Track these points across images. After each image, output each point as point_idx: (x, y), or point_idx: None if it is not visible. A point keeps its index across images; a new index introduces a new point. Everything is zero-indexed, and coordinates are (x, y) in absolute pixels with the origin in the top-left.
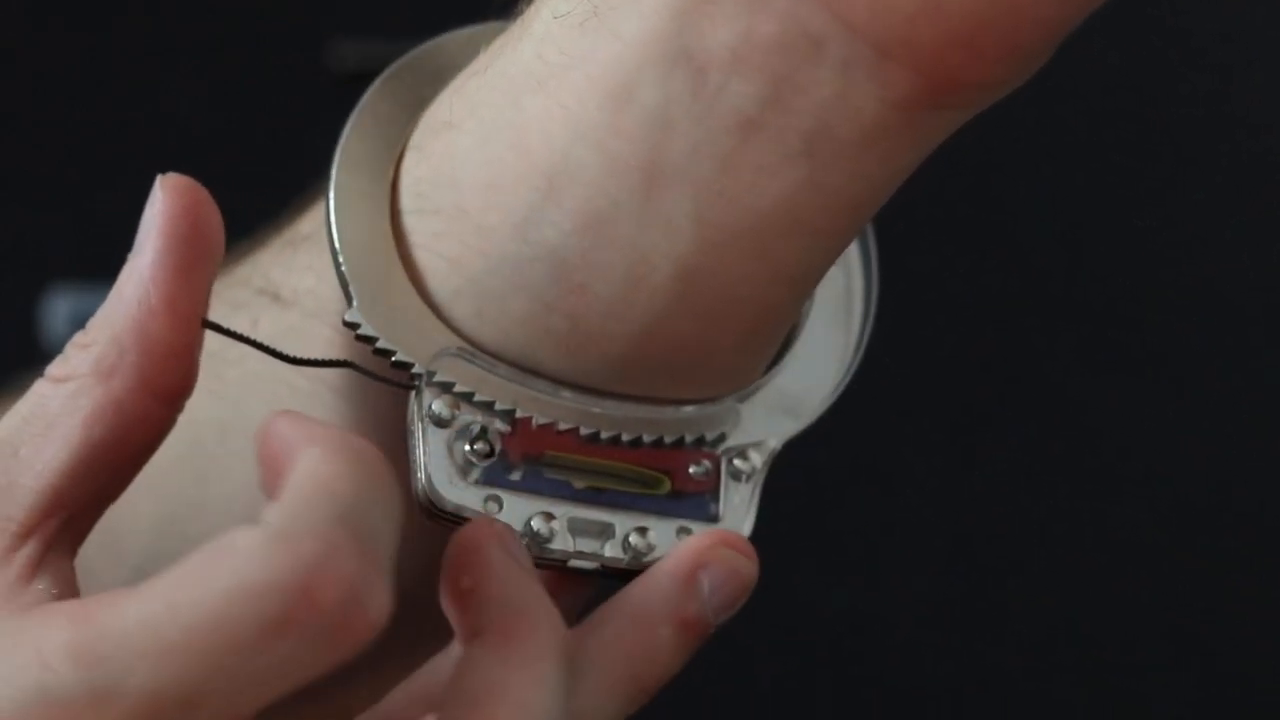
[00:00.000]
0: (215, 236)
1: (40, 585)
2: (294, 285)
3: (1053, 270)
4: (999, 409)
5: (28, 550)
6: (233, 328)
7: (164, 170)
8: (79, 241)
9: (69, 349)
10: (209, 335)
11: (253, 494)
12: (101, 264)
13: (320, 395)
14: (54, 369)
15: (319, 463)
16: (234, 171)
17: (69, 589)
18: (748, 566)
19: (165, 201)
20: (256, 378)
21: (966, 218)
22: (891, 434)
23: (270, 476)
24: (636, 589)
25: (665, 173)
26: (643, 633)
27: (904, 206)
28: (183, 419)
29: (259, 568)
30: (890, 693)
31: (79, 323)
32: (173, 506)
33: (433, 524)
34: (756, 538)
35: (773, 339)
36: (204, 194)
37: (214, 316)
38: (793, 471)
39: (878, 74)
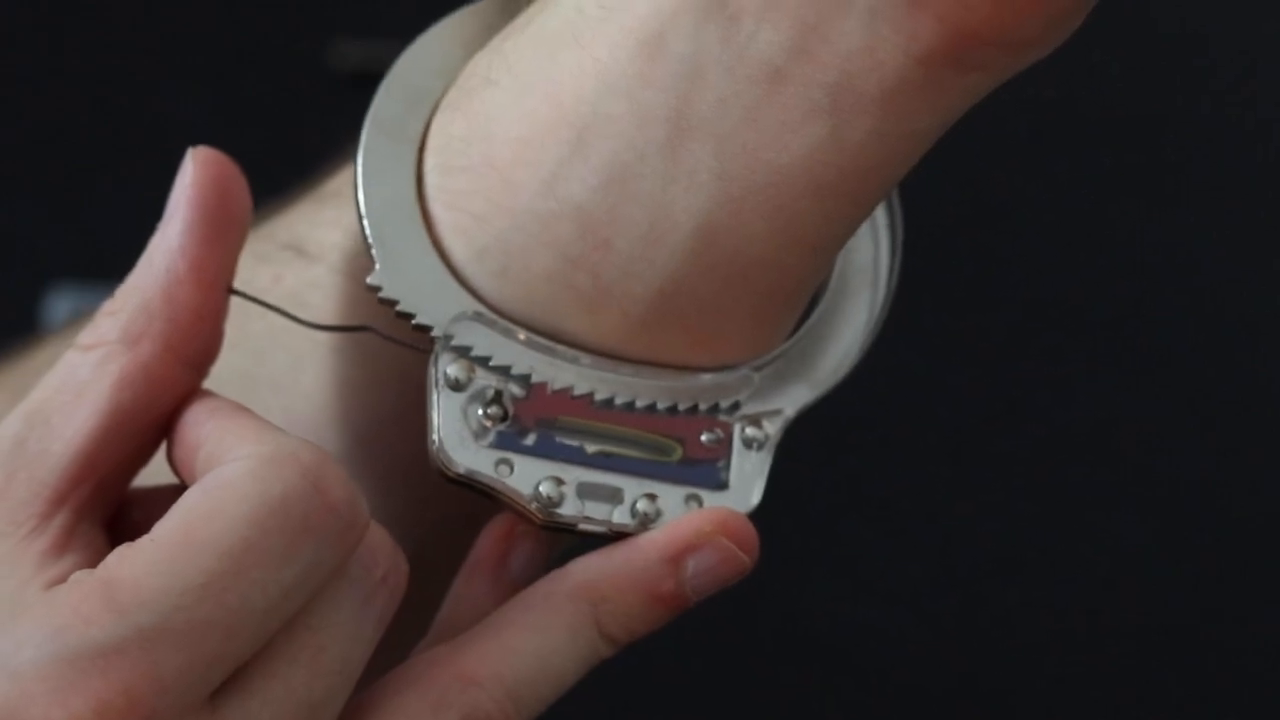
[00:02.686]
0: (243, 207)
1: (70, 558)
2: (319, 240)
3: (1055, 274)
4: (1000, 414)
5: (60, 519)
6: (257, 281)
7: (163, 171)
8: (79, 241)
9: (98, 317)
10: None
11: None
12: (101, 264)
13: (341, 350)
14: (84, 337)
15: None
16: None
17: (97, 560)
18: (740, 558)
19: (195, 173)
20: (280, 331)
21: (967, 221)
22: (891, 437)
23: (182, 454)
24: (623, 548)
25: (692, 124)
26: (616, 590)
27: (905, 208)
28: None
29: (270, 483)
30: (890, 697)
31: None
32: None
33: (451, 487)
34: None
35: (790, 308)
36: (233, 167)
37: (239, 270)
38: (794, 476)
39: (904, 25)
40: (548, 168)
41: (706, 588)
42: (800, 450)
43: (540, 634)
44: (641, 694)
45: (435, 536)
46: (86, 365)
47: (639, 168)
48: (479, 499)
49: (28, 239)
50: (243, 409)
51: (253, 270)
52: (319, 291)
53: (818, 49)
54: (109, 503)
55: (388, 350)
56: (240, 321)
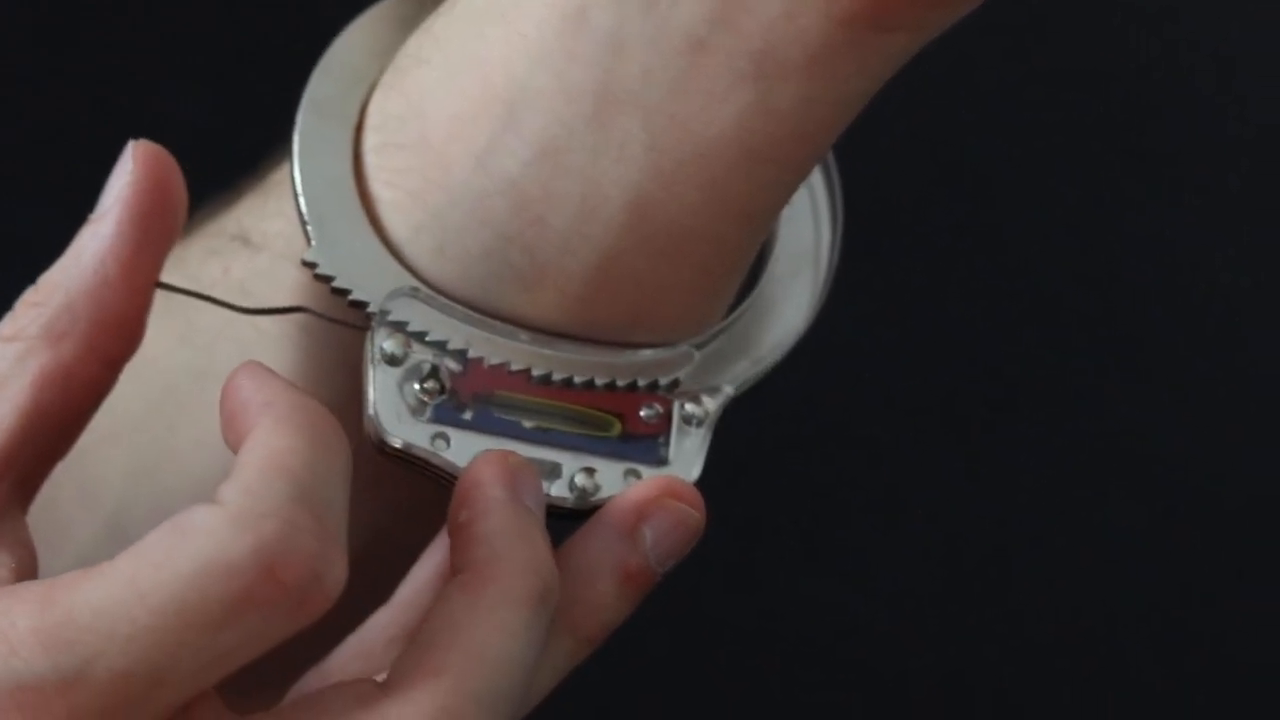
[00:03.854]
0: (179, 210)
1: None
2: (264, 229)
3: (1056, 272)
4: (997, 407)
5: None
6: (207, 274)
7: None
8: None
9: (20, 306)
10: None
11: (223, 441)
12: None
13: (289, 336)
14: (4, 327)
15: (272, 435)
16: (234, 172)
17: (25, 552)
18: (693, 516)
19: (134, 171)
20: (227, 323)
21: (966, 218)
22: (888, 432)
23: (231, 436)
24: (577, 540)
25: (618, 97)
26: (582, 585)
27: (905, 207)
28: (154, 367)
29: (222, 548)
30: (889, 696)
31: None
32: (145, 455)
33: (389, 464)
34: (752, 533)
35: (728, 281)
36: (174, 166)
37: (189, 265)
38: (790, 468)
39: None
40: (480, 143)
41: (668, 555)
42: (799, 447)
43: (511, 641)
44: (642, 693)
45: (389, 519)
46: (5, 359)
47: (569, 142)
48: (429, 482)
49: (28, 239)
50: (292, 411)
51: (203, 264)
52: (264, 280)
53: (739, 17)
54: (28, 494)
55: (333, 336)
56: (189, 315)
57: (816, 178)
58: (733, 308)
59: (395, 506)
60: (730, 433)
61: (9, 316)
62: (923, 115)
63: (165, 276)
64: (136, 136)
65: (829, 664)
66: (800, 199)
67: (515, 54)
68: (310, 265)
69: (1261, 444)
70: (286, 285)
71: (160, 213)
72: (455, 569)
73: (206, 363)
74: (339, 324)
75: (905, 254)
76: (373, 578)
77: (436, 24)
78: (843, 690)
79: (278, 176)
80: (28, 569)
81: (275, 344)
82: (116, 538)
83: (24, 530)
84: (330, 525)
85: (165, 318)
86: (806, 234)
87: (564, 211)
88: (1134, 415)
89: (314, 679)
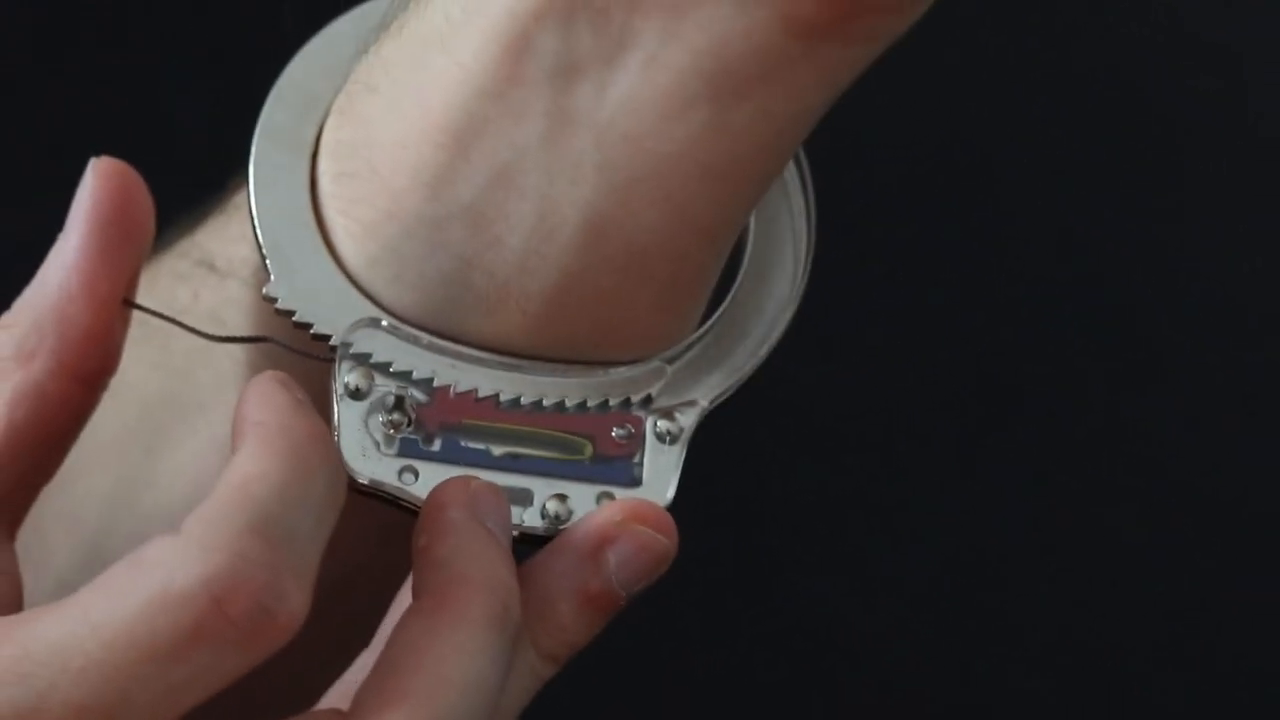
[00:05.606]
0: (143, 221)
1: None
2: (229, 255)
3: (1056, 270)
4: (997, 407)
5: None
6: (178, 300)
7: (164, 171)
8: None
9: None
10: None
11: (201, 467)
12: None
13: (259, 365)
14: None
15: (247, 459)
16: (233, 173)
17: (7, 581)
18: (660, 541)
19: (94, 186)
20: (203, 349)
21: (965, 217)
22: (888, 431)
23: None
24: (540, 560)
25: (570, 117)
26: (544, 606)
27: (903, 208)
28: (131, 393)
29: (172, 580)
30: (889, 695)
31: None
32: (123, 480)
33: (362, 499)
34: (755, 539)
35: (694, 296)
36: (134, 178)
37: (158, 290)
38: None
39: (777, 2)
40: (429, 172)
41: (633, 580)
42: (799, 448)
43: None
44: (641, 692)
45: (374, 546)
46: None
47: (521, 164)
48: (396, 511)
49: (28, 239)
50: (278, 434)
51: (173, 289)
52: (234, 307)
53: (692, 35)
54: (13, 519)
55: (302, 365)
56: (163, 341)
57: (789, 173)
58: (706, 317)
59: (380, 531)
60: (729, 432)
61: None
62: (922, 116)
63: (139, 301)
64: (136, 137)
65: (829, 664)
66: (773, 200)
67: (455, 84)
68: (271, 299)
69: (1262, 444)
70: (256, 313)
71: (121, 224)
72: (416, 594)
73: (182, 390)
74: (302, 354)
75: (905, 254)
76: (357, 602)
77: (385, 48)
78: (843, 690)
79: (238, 200)
80: (11, 599)
81: (250, 372)
82: (97, 565)
83: (9, 559)
84: (289, 556)
85: (142, 343)
86: (780, 241)
87: (521, 231)
88: (1134, 415)
89: None
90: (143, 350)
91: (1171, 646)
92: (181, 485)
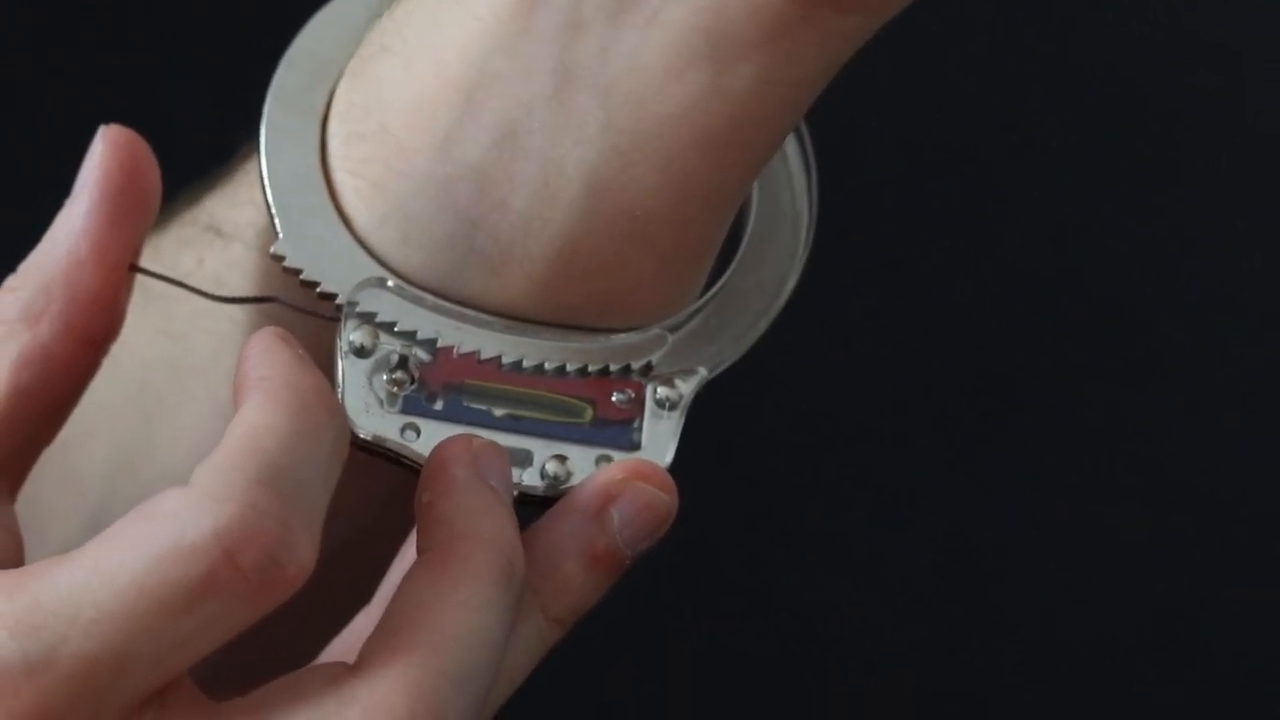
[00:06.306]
0: (151, 189)
1: None
2: (235, 219)
3: (1057, 269)
4: (997, 405)
5: None
6: (182, 265)
7: (163, 171)
8: None
9: (1, 293)
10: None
11: (201, 433)
12: None
13: (260, 329)
14: None
15: (255, 412)
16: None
17: (10, 538)
18: (662, 499)
19: (104, 154)
20: (204, 314)
21: (965, 215)
22: (888, 430)
23: (235, 407)
24: (544, 522)
25: (576, 75)
26: (549, 566)
27: (905, 206)
28: (131, 359)
29: (183, 531)
30: (889, 694)
31: None
32: (124, 447)
33: (365, 456)
34: (756, 530)
35: (697, 263)
36: (143, 147)
37: (164, 255)
38: (794, 470)
39: None
40: (440, 132)
41: (637, 538)
42: (800, 444)
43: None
44: (640, 691)
45: (376, 508)
46: None
47: (528, 123)
48: (403, 472)
49: (29, 240)
50: (283, 388)
51: (178, 254)
52: (237, 270)
53: None
54: (15, 480)
55: (305, 325)
56: (166, 308)
57: (790, 146)
58: (709, 287)
59: (382, 495)
60: (728, 430)
61: None
62: (923, 112)
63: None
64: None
65: (829, 663)
66: (775, 175)
67: (470, 38)
68: (278, 258)
69: (1261, 441)
70: (259, 276)
71: (131, 191)
72: (420, 551)
73: (182, 355)
74: (307, 313)
75: (905, 253)
76: (358, 567)
77: (399, 9)
78: (843, 690)
79: (247, 166)
80: (12, 556)
81: (248, 335)
82: (97, 532)
83: (10, 517)
84: (298, 509)
85: (143, 309)
86: (783, 214)
87: (526, 194)
88: (1133, 411)
89: None
90: (144, 316)
91: (1169, 643)
92: (181, 450)
